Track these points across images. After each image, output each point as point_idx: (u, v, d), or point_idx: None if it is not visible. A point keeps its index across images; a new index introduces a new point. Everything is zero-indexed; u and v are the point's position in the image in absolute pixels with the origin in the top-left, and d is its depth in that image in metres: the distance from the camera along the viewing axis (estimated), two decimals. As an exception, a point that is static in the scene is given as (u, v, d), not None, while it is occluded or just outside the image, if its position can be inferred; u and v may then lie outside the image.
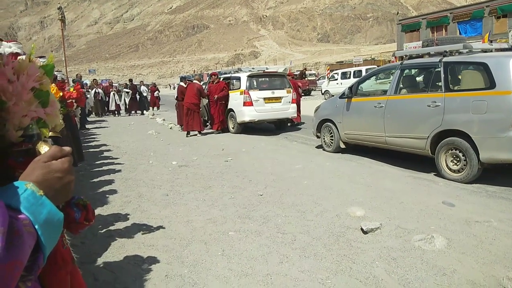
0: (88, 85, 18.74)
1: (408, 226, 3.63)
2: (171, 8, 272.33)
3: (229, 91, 10.97)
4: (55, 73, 6.50)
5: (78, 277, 1.04)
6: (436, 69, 5.56)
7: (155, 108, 21.22)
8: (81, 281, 1.07)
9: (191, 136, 10.61)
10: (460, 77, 5.56)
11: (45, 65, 0.91)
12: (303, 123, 11.79)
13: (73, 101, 3.66)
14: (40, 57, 4.75)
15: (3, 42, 3.34)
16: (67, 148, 0.78)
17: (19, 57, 0.84)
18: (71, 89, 7.89)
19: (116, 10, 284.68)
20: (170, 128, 12.56)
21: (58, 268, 0.90)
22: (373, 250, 3.17)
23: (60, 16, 14.74)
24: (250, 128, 11.07)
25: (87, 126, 14.25)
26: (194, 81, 11.42)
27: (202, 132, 10.91)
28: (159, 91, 22.00)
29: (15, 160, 0.81)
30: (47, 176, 0.73)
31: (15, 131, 0.80)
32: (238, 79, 10.82)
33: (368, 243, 3.32)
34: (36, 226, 0.66)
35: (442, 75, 5.42)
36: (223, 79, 11.61)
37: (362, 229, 3.52)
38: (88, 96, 16.24)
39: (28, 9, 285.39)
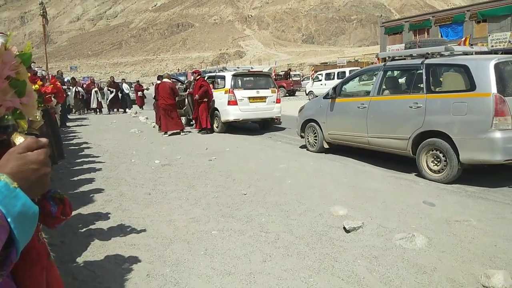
0: (70, 81, 18.36)
1: (390, 225, 3.67)
2: (155, 5, 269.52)
3: (214, 90, 10.91)
4: (36, 69, 6.35)
5: (54, 272, 1.00)
6: (418, 71, 5.65)
7: (138, 106, 20.96)
8: (58, 276, 1.03)
9: (172, 135, 10.47)
10: (441, 79, 5.66)
11: (21, 54, 0.87)
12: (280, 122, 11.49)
13: (52, 96, 3.56)
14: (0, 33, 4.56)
15: None
16: (43, 140, 0.75)
17: None
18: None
19: (99, 7, 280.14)
20: (153, 127, 12.41)
21: (33, 263, 0.87)
22: (355, 248, 3.20)
23: (41, 11, 14.39)
24: (234, 127, 11.04)
25: (67, 123, 13.97)
26: (164, 79, 10.89)
27: (183, 131, 10.77)
28: (145, 90, 21.72)
29: None
30: (22, 167, 0.70)
31: None
32: (223, 78, 10.77)
33: (350, 241, 3.34)
34: (9, 219, 0.63)
35: (424, 77, 5.51)
36: (208, 78, 11.51)
37: (344, 228, 3.55)
38: (69, 93, 15.91)
39: (7, 3, 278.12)
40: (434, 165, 5.37)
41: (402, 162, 6.19)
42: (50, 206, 0.84)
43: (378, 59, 7.99)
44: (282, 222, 3.83)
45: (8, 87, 0.79)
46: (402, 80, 6.67)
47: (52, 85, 2.99)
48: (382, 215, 3.94)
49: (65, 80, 16.78)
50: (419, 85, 5.67)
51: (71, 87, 17.25)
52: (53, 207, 0.84)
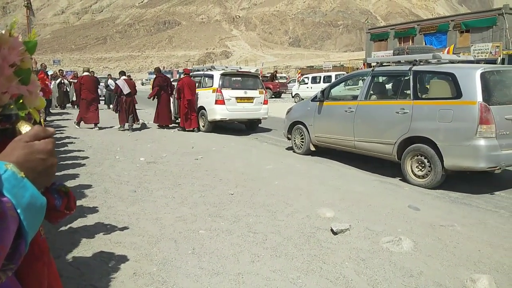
0: (51, 74, 17.95)
1: (376, 228, 3.70)
2: (142, 1, 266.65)
3: (201, 89, 10.85)
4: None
5: (53, 269, 0.96)
6: (406, 77, 5.73)
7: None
8: (56, 272, 0.99)
9: (159, 132, 10.37)
10: (428, 86, 5.76)
11: (27, 42, 0.83)
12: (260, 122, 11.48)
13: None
14: None
15: None
16: (50, 129, 0.72)
17: None
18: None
19: (84, 1, 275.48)
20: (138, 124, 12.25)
21: (35, 258, 0.83)
22: (343, 250, 3.22)
23: (25, 2, 14.07)
24: (220, 127, 10.99)
25: (48, 118, 13.65)
26: (85, 73, 11.46)
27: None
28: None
29: None
30: (29, 157, 0.66)
31: None
32: (211, 77, 10.72)
33: (338, 243, 3.36)
34: (19, 210, 0.60)
35: (411, 83, 5.59)
36: (194, 77, 11.49)
37: (332, 230, 3.56)
38: (52, 87, 15.56)
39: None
40: (418, 170, 5.45)
41: (386, 167, 6.27)
42: (55, 199, 0.80)
43: (365, 64, 8.06)
44: (270, 223, 3.82)
45: (12, 74, 0.75)
46: (389, 86, 6.75)
47: (40, 80, 2.91)
48: (369, 218, 3.98)
49: (49, 73, 16.41)
50: (406, 91, 5.76)
51: (53, 80, 16.87)
52: (57, 201, 0.81)
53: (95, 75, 18.78)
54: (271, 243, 3.34)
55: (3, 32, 0.77)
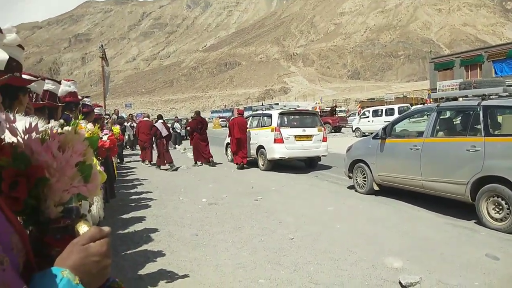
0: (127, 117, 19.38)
1: (450, 281, 3.39)
2: (205, 46, 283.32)
3: (260, 128, 11.09)
4: (96, 110, 6.75)
5: None
6: (475, 113, 5.39)
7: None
8: None
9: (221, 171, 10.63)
10: (500, 121, 5.35)
11: (90, 137, 0.90)
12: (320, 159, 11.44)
13: (105, 150, 3.73)
14: (86, 97, 4.94)
15: (63, 81, 3.50)
16: (106, 229, 0.76)
17: (64, 129, 0.83)
18: (109, 125, 8.18)
19: (153, 48, 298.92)
20: (201, 164, 12.68)
21: None
22: (413, 307, 2.97)
23: (101, 54, 15.54)
24: (280, 165, 11.01)
25: (124, 159, 14.68)
26: (145, 118, 13.92)
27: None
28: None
29: (52, 237, 0.78)
30: (84, 260, 0.70)
31: (55, 206, 0.78)
32: (270, 116, 10.91)
33: (408, 299, 3.11)
34: None
35: (482, 119, 5.23)
36: (253, 116, 11.96)
37: (400, 283, 3.32)
38: (127, 129, 16.99)
39: (71, 46, 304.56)
40: (495, 213, 4.98)
41: (459, 207, 5.81)
42: None
43: (429, 99, 7.73)
44: (332, 273, 3.66)
45: (76, 173, 0.80)
46: (457, 122, 6.38)
47: (109, 141, 3.19)
48: (441, 269, 3.66)
49: (123, 116, 17.75)
50: (476, 127, 5.39)
51: (126, 124, 18.17)
52: None
53: (163, 116, 20.20)
54: (334, 296, 3.18)
55: (69, 129, 0.84)
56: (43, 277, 0.65)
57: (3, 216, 0.60)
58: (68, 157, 0.77)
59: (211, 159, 12.12)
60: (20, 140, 0.77)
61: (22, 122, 0.82)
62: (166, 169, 11.56)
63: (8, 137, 0.77)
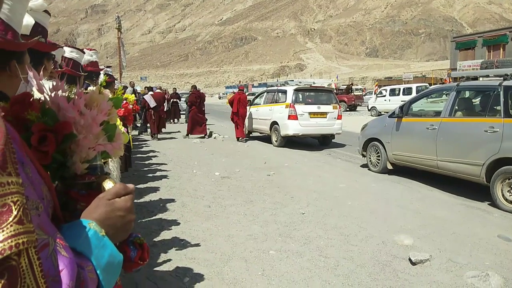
0: (139, 91, 19.41)
1: (460, 260, 3.41)
2: (221, 19, 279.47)
3: (274, 104, 11.04)
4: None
5: None
6: (495, 93, 5.26)
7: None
8: None
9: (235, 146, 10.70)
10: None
11: (113, 98, 0.92)
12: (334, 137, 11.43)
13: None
14: (108, 66, 4.96)
15: (85, 50, 3.53)
16: (130, 186, 0.78)
17: (89, 88, 0.85)
18: (125, 95, 8.22)
19: (169, 21, 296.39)
20: (214, 138, 12.76)
21: None
22: (422, 284, 3.00)
23: (117, 25, 15.48)
24: (293, 142, 11.00)
25: (135, 132, 14.84)
26: (157, 90, 14.70)
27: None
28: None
29: (78, 192, 0.81)
30: (110, 214, 0.72)
31: (81, 163, 0.81)
32: (284, 92, 10.83)
33: (416, 275, 3.14)
34: (98, 271, 0.66)
35: (502, 100, 5.11)
36: (268, 92, 11.95)
37: (410, 259, 3.35)
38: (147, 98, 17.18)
39: (87, 17, 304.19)
40: (510, 195, 4.93)
41: (473, 189, 5.76)
42: (130, 251, 0.85)
43: (449, 78, 7.54)
44: (342, 248, 3.71)
45: (101, 132, 0.83)
46: (476, 102, 6.24)
47: (124, 109, 3.20)
48: (452, 248, 3.68)
49: (138, 89, 17.80)
50: (495, 108, 5.27)
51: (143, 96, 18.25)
52: (132, 252, 0.85)
53: (177, 90, 20.56)
54: (343, 270, 3.24)
55: (94, 89, 0.86)
56: (71, 228, 0.68)
57: (34, 167, 0.63)
58: (94, 115, 0.80)
59: (206, 134, 12.92)
60: (47, 97, 0.79)
61: (46, 85, 0.84)
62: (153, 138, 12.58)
63: (37, 94, 0.80)
